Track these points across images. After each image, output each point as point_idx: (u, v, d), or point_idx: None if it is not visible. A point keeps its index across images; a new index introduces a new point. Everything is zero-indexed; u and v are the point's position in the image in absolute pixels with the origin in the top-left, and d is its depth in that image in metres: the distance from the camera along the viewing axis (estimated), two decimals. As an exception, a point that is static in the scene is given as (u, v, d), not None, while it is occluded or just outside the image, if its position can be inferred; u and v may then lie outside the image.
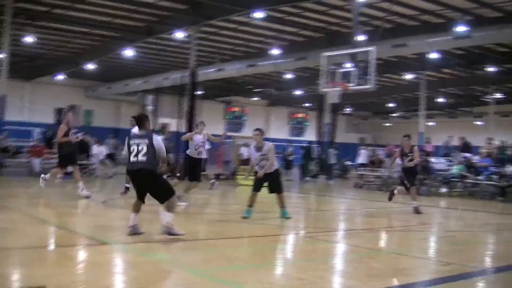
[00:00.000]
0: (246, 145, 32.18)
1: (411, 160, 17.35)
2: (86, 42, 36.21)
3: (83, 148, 30.19)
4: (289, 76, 44.41)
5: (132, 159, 10.47)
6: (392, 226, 15.16)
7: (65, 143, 17.52)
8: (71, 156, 17.97)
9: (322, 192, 27.93)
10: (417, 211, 16.67)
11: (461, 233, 13.90)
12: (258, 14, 27.51)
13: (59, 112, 44.50)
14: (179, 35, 31.64)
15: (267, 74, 44.25)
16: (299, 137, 60.23)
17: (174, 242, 10.28)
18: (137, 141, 10.49)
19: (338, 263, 9.74)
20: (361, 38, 26.72)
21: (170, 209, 10.39)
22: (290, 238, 12.36)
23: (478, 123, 54.11)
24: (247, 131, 53.17)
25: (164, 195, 10.39)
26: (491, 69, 37.89)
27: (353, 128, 66.77)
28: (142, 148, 10.36)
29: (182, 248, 10.17)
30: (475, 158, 26.39)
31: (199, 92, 41.31)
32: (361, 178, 30.72)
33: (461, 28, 26.41)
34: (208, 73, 38.42)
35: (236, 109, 57.93)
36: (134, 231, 10.48)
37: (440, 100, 52.73)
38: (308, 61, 33.45)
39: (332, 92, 22.51)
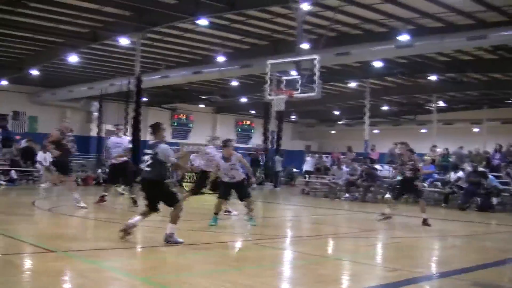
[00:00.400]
0: (193, 151, 31.99)
1: (412, 169, 16.74)
2: (29, 47, 35.71)
3: (28, 155, 29.86)
4: (234, 83, 44.46)
5: (143, 168, 11.07)
6: (339, 232, 15.29)
7: (59, 152, 17.24)
8: (65, 165, 17.67)
9: (268, 199, 28.03)
10: (426, 223, 16.18)
11: (406, 239, 14.08)
12: (203, 21, 27.48)
13: (3, 118, 43.91)
14: (124, 41, 31.44)
15: (212, 81, 44.24)
16: (246, 144, 60.30)
17: (122, 250, 10.23)
18: (148, 151, 11.07)
19: (286, 269, 9.79)
20: (305, 46, 26.90)
21: (173, 221, 10.90)
22: (237, 245, 12.38)
23: (422, 130, 54.91)
24: (193, 138, 53.22)
25: (172, 200, 11.06)
26: (433, 77, 38.54)
27: (299, 135, 67.13)
28: (148, 159, 10.94)
29: (130, 255, 10.14)
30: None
31: (144, 99, 41.15)
32: (307, 185, 30.90)
33: (403, 37, 26.79)
34: (154, 80, 38.28)
35: (182, 116, 57.78)
36: (127, 228, 10.89)
37: (384, 108, 53.37)
38: (253, 69, 33.56)
39: (277, 100, 22.64)
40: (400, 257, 11.10)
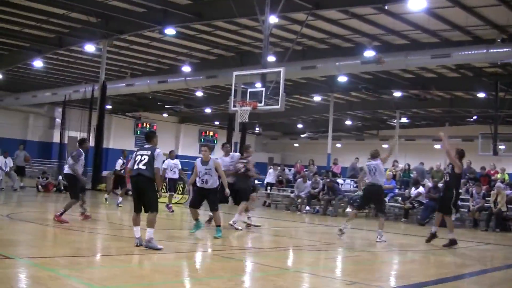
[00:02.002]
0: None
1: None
2: (-7, 51, 35.49)
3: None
4: (199, 93, 44.47)
5: (135, 166, 11.76)
6: (299, 245, 15.31)
7: None
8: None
9: (230, 210, 27.98)
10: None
11: (366, 252, 14.16)
12: (170, 31, 27.52)
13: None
14: (90, 48, 31.31)
15: (177, 91, 44.23)
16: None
17: (81, 258, 10.15)
18: (143, 152, 11.87)
19: (245, 280, 9.77)
20: (271, 58, 26.99)
21: (151, 225, 11.41)
22: (198, 255, 12.35)
23: (384, 146, 55.31)
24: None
25: (154, 205, 11.66)
26: (397, 94, 38.89)
27: (262, 147, 67.23)
28: (144, 159, 11.69)
29: (89, 263, 10.05)
30: (381, 180, 26.95)
31: (108, 107, 40.93)
32: (268, 197, 30.90)
33: (368, 53, 27.03)
34: (118, 87, 38.14)
35: (146, 125, 57.62)
36: (140, 243, 11.48)
37: (348, 122, 53.68)
38: (219, 80, 33.64)
39: (241, 111, 22.65)
40: (359, 270, 11.16)
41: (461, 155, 15.10)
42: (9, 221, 16.00)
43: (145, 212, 11.64)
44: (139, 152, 11.96)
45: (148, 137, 12.30)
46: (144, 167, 11.61)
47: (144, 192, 11.67)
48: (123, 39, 31.24)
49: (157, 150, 11.80)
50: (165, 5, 25.38)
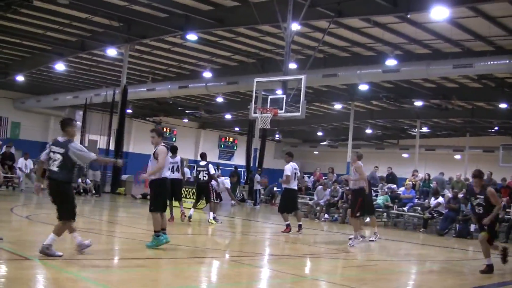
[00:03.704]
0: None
1: (480, 204, 12.75)
2: (16, 53, 35.64)
3: (7, 160, 29.56)
4: (220, 99, 44.49)
5: (49, 167, 10.12)
6: (317, 253, 15.26)
7: None
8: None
9: (247, 217, 27.99)
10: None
11: (384, 262, 14.09)
12: (192, 36, 27.59)
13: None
14: (111, 52, 31.45)
15: (198, 96, 44.26)
16: (228, 161, 60.28)
17: (100, 260, 10.17)
18: (56, 149, 10.08)
19: (262, 287, 9.76)
20: (292, 66, 26.98)
21: (58, 232, 10.17)
22: (215, 262, 12.34)
23: (404, 155, 55.09)
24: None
25: (69, 212, 10.19)
26: (417, 103, 38.71)
27: (281, 154, 67.05)
28: (57, 158, 10.00)
29: (107, 266, 10.07)
30: (400, 190, 26.88)
31: (129, 111, 41.04)
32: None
33: (390, 62, 26.97)
34: (139, 92, 38.24)
35: (166, 130, 57.69)
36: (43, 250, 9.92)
37: (368, 131, 53.48)
38: (240, 86, 33.63)
39: (262, 118, 22.63)
40: (377, 279, 11.10)
41: None
42: (29, 222, 16.09)
43: (59, 219, 10.21)
44: (52, 148, 10.10)
45: (62, 126, 10.42)
46: (57, 170, 9.98)
47: (57, 198, 10.17)
48: (145, 44, 31.32)
49: (72, 145, 10.04)
50: (187, 10, 25.43)
